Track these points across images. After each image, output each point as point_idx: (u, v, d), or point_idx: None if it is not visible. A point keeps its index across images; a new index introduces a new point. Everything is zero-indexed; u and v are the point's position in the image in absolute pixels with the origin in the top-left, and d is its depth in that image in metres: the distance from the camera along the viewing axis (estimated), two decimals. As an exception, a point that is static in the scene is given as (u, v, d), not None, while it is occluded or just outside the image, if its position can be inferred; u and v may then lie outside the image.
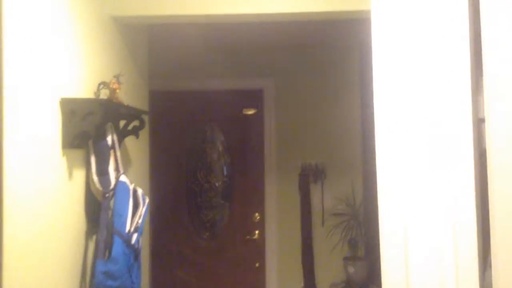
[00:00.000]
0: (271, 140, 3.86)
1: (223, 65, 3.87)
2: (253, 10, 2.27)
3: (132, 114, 2.31)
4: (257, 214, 3.85)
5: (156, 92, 3.47)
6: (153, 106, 3.23)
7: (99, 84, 2.09)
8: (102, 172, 2.01)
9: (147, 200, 2.15)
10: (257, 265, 3.82)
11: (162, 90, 3.73)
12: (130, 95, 2.49)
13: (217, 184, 3.93)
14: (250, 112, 3.92)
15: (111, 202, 2.01)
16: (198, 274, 3.87)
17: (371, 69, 1.95)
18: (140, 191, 2.13)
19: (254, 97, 3.91)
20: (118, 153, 2.12)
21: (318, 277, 3.77)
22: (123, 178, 2.08)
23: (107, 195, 1.99)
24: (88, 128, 1.89)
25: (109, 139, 2.06)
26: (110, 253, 1.91)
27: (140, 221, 2.05)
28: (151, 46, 3.09)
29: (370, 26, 1.90)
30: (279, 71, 3.90)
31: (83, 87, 2.01)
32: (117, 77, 2.12)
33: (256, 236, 3.83)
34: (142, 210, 2.08)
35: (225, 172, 3.94)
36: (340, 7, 2.19)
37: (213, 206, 3.93)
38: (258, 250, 3.83)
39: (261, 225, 3.85)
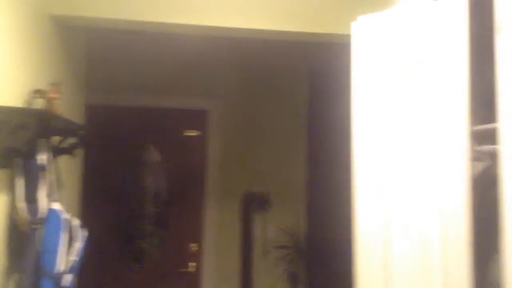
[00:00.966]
0: (214, 165, 3.61)
1: (166, 82, 3.58)
2: (217, 22, 2.05)
3: (70, 129, 1.96)
4: (194, 244, 3.55)
5: (91, 106, 3.10)
6: (87, 122, 2.87)
7: (34, 92, 1.74)
8: (31, 198, 1.65)
9: (84, 234, 1.81)
10: (191, 300, 3.50)
11: (97, 104, 3.36)
12: (66, 108, 2.13)
13: (151, 211, 3.58)
14: (193, 133, 3.65)
15: (40, 235, 1.65)
16: (125, 311, 3.46)
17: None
18: (76, 222, 1.79)
19: (198, 118, 3.65)
20: (52, 175, 1.77)
21: (257, 315, 3.52)
22: (56, 205, 1.73)
23: (35, 226, 1.63)
24: (17, 144, 1.54)
25: (41, 158, 1.71)
26: (35, 298, 1.54)
27: (75, 258, 1.70)
28: (89, 55, 2.75)
29: (346, 50, 1.76)
30: (226, 92, 3.68)
31: (12, 94, 1.65)
32: (56, 85, 1.79)
33: (191, 269, 3.52)
34: (77, 245, 1.74)
35: (161, 198, 3.60)
36: (316, 29, 2.04)
37: (145, 235, 3.56)
38: (193, 284, 3.51)
39: (198, 256, 3.54)
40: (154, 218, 3.59)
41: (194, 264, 3.52)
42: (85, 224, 3.17)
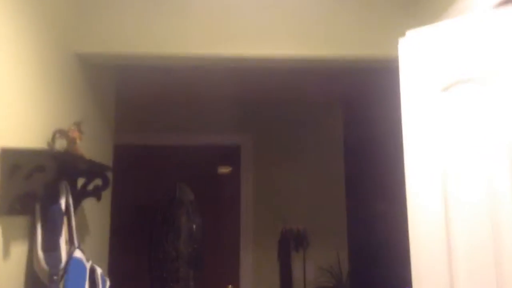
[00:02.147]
0: (248, 202, 3.42)
1: (196, 118, 3.47)
2: (255, 51, 1.91)
3: (94, 170, 1.83)
4: (230, 286, 3.32)
5: (120, 147, 3.00)
6: (116, 162, 2.76)
7: (55, 132, 1.62)
8: (51, 247, 1.49)
9: (108, 283, 1.64)
10: None
11: (126, 144, 3.26)
12: (92, 148, 2.01)
13: (185, 252, 3.40)
14: (226, 170, 3.49)
15: (61, 287, 1.48)
16: None
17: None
18: (99, 271, 1.62)
19: (230, 154, 3.50)
20: (73, 221, 1.62)
21: None
22: (78, 253, 1.57)
23: (55, 277, 1.47)
24: (35, 188, 1.40)
25: (62, 202, 1.56)
26: None
27: (98, 312, 1.53)
28: (118, 94, 2.66)
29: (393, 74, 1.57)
30: (258, 126, 3.53)
31: (33, 136, 1.54)
32: (77, 124, 1.67)
33: (229, 313, 3.28)
34: (101, 296, 1.57)
35: (195, 238, 3.42)
36: (354, 50, 1.87)
37: (180, 278, 3.36)
38: (231, 329, 3.27)
39: (235, 299, 3.32)
40: (188, 259, 3.39)
41: (232, 307, 3.29)
42: (115, 268, 3.03)
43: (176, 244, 3.40)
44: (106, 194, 2.21)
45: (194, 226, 3.43)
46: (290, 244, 3.37)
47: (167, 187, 3.48)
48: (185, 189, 3.49)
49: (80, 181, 1.85)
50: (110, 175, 1.94)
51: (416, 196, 1.50)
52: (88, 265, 1.59)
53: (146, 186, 3.44)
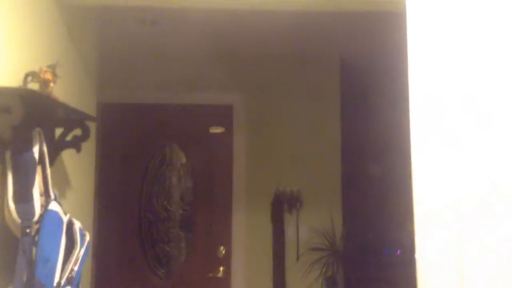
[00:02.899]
0: (241, 163, 3.28)
1: (187, 76, 3.29)
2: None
3: (73, 119, 1.68)
4: (222, 248, 3.23)
5: (107, 105, 2.85)
6: (103, 121, 2.61)
7: (26, 75, 1.46)
8: (23, 198, 1.36)
9: (87, 238, 1.51)
10: (221, 308, 3.18)
11: (113, 102, 3.11)
12: (72, 99, 1.85)
13: (176, 213, 3.29)
14: (218, 130, 3.34)
15: (34, 241, 1.36)
16: (151, 320, 3.17)
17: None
18: (77, 225, 1.49)
19: (223, 114, 3.35)
20: (49, 171, 1.48)
21: (292, 322, 3.17)
22: (53, 206, 1.44)
23: (28, 230, 1.34)
24: (2, 132, 1.25)
25: (35, 150, 1.42)
26: (26, 317, 1.25)
27: (75, 268, 1.40)
28: (103, 49, 2.47)
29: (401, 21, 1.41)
30: (251, 85, 3.36)
31: (2, 79, 1.37)
32: (52, 66, 1.50)
33: (220, 274, 3.20)
34: (79, 252, 1.44)
35: (186, 199, 3.30)
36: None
37: (171, 239, 3.27)
38: (222, 290, 3.19)
39: (226, 260, 3.22)
40: (178, 221, 3.29)
41: (223, 268, 3.20)
42: (104, 228, 2.93)
43: (167, 205, 3.29)
44: (90, 148, 2.07)
45: (185, 188, 3.31)
46: (284, 205, 3.27)
47: (157, 147, 3.34)
48: (176, 149, 3.35)
49: (59, 132, 1.70)
50: (91, 125, 1.78)
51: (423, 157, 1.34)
52: (65, 219, 1.45)
53: (135, 146, 3.29)
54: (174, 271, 3.24)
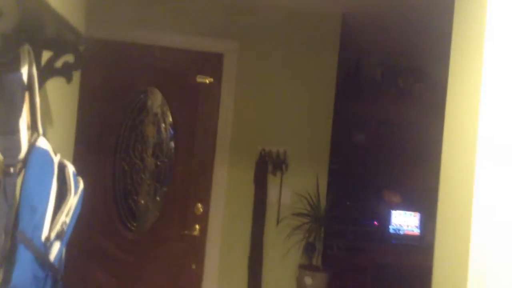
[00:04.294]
0: (227, 117, 3.03)
1: (176, 16, 2.96)
2: None
3: (65, 41, 1.37)
4: (200, 205, 3.02)
5: (88, 39, 2.48)
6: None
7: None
8: (7, 128, 1.07)
9: (81, 185, 1.25)
10: (193, 266, 2.99)
11: (94, 37, 2.74)
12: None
13: (153, 164, 3.02)
14: (205, 80, 3.06)
15: (19, 183, 1.08)
16: (120, 275, 2.94)
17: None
18: (71, 169, 1.22)
19: (212, 63, 3.05)
20: (38, 100, 1.18)
21: (266, 286, 3.05)
22: (42, 142, 1.16)
23: (12, 169, 1.06)
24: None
25: (24, 71, 1.12)
26: (9, 277, 0.99)
27: (67, 220, 1.15)
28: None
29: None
30: (246, 35, 3.07)
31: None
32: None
33: (196, 232, 2.99)
34: (72, 201, 1.18)
35: (165, 151, 3.04)
36: None
37: (145, 191, 3.01)
38: (196, 248, 2.99)
39: (203, 218, 3.02)
40: (155, 173, 3.03)
41: (199, 227, 3.00)
42: (77, 172, 2.64)
43: (143, 156, 3.01)
44: (75, 81, 1.76)
45: (165, 138, 3.04)
46: (268, 166, 3.07)
47: (138, 92, 3.03)
48: (158, 96, 3.05)
49: (46, 55, 1.39)
50: (82, 50, 1.48)
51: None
52: (56, 160, 1.18)
53: (114, 87, 2.96)
54: (147, 225, 3.00)
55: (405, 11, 2.76)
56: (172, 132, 3.03)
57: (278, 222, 3.07)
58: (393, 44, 3.50)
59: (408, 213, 3.81)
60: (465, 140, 1.25)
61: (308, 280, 2.90)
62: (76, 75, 1.71)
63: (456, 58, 1.39)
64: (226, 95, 3.04)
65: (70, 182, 1.18)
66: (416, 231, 3.77)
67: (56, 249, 1.10)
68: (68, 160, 1.73)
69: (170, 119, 3.02)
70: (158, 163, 3.02)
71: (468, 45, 1.30)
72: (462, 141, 1.28)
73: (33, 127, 1.16)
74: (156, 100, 3.03)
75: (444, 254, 1.31)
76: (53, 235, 1.08)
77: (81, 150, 2.78)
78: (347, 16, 3.11)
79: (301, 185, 3.07)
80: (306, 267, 2.98)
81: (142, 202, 2.99)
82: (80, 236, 2.83)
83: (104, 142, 2.94)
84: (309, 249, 3.03)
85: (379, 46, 3.46)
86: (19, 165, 1.08)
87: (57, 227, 1.10)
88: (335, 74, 3.16)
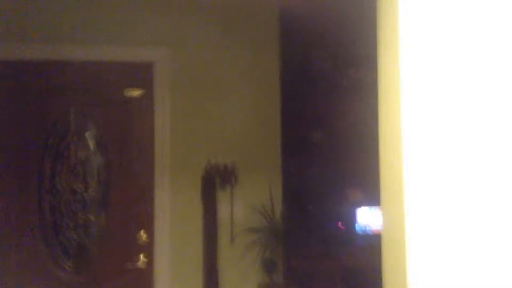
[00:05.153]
0: (164, 132, 2.72)
1: (96, 25, 2.64)
2: None
3: None
4: (142, 232, 2.70)
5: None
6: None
7: None
8: None
9: None
10: (142, 303, 2.68)
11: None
12: None
13: (85, 194, 2.68)
14: (135, 93, 2.74)
15: None
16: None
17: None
18: None
19: (141, 74, 2.74)
20: None
21: (226, 313, 2.76)
22: None
23: None
24: None
25: None
26: None
27: None
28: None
29: None
30: (177, 39, 2.77)
31: None
32: None
33: (141, 264, 2.67)
34: None
35: (97, 177, 2.70)
36: None
37: (79, 225, 2.67)
38: (143, 283, 2.67)
39: (148, 247, 2.70)
40: (89, 203, 2.69)
41: (144, 258, 2.68)
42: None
43: (73, 185, 2.67)
44: None
45: (96, 163, 2.71)
46: (216, 181, 2.78)
47: (58, 115, 2.68)
48: (82, 117, 2.71)
49: None
50: None
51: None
52: None
53: (30, 116, 2.62)
54: (85, 263, 2.66)
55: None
56: (104, 155, 2.69)
57: (232, 240, 2.78)
58: (342, 33, 3.27)
59: (374, 208, 3.58)
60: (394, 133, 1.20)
61: (269, 302, 2.63)
62: None
63: (381, 52, 1.24)
64: (161, 108, 2.74)
65: None
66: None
67: None
68: None
69: (100, 141, 2.69)
70: (91, 192, 2.68)
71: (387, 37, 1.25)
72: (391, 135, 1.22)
73: None
74: (81, 121, 2.69)
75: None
76: None
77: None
78: (286, 9, 2.85)
79: (254, 197, 2.80)
80: (266, 287, 2.70)
81: (76, 237, 2.64)
82: (10, 283, 2.50)
83: (24, 174, 2.59)
84: (267, 265, 2.76)
85: (326, 37, 3.21)
86: None
87: None
88: (279, 72, 2.89)
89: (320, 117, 3.43)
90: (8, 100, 2.53)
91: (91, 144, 2.69)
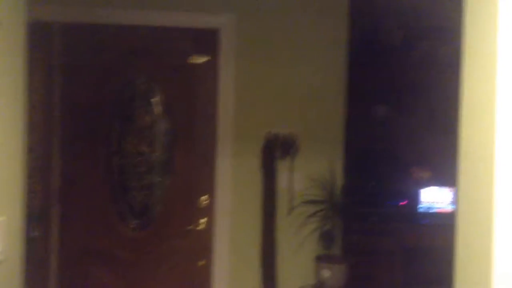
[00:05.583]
0: (228, 100, 2.73)
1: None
2: None
3: None
4: (204, 198, 2.76)
5: (59, 24, 2.24)
6: (54, 44, 2.02)
7: None
8: None
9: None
10: (201, 263, 2.77)
11: (69, 22, 2.51)
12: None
13: (151, 157, 2.77)
14: (201, 60, 2.75)
15: None
16: (122, 275, 2.75)
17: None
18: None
19: (207, 40, 2.74)
20: None
21: (281, 281, 2.79)
22: None
23: None
24: None
25: None
26: None
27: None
28: None
29: None
30: (243, 6, 2.73)
31: None
32: None
33: (202, 226, 2.75)
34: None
35: (162, 141, 2.78)
36: None
37: (145, 186, 2.77)
38: (203, 244, 2.75)
39: (209, 211, 2.77)
40: (155, 166, 2.78)
41: (205, 220, 2.76)
42: (63, 172, 2.45)
43: (139, 148, 2.76)
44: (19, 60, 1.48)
45: (161, 128, 2.78)
46: (276, 151, 2.77)
47: (125, 80, 2.75)
48: (148, 83, 2.77)
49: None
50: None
51: None
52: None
53: (98, 79, 2.70)
54: (148, 222, 2.77)
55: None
56: (168, 120, 2.75)
57: (290, 211, 2.79)
58: (414, 3, 3.08)
59: (441, 188, 3.43)
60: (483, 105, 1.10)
61: (325, 273, 2.63)
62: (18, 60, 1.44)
63: (469, 18, 1.12)
64: (226, 75, 2.74)
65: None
66: (450, 208, 3.40)
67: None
68: (17, 154, 1.47)
69: (165, 106, 2.75)
70: (157, 154, 2.76)
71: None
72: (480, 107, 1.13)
73: None
74: (149, 86, 2.75)
75: (467, 228, 1.22)
76: None
77: (68, 148, 2.60)
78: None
79: (314, 169, 2.77)
80: (323, 258, 2.70)
81: (141, 197, 2.76)
82: (79, 237, 2.68)
83: (94, 137, 2.70)
84: (326, 238, 2.74)
85: (398, 6, 3.05)
86: None
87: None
88: (346, 43, 2.79)
89: (387, 91, 3.30)
90: (76, 64, 2.63)
91: (157, 109, 2.75)
